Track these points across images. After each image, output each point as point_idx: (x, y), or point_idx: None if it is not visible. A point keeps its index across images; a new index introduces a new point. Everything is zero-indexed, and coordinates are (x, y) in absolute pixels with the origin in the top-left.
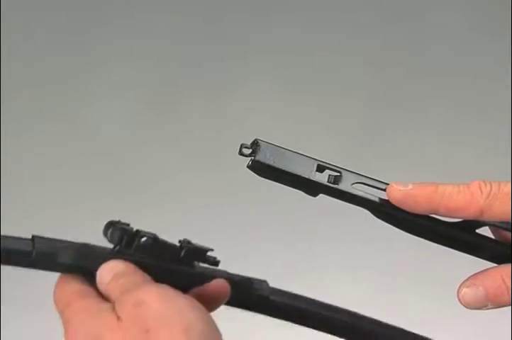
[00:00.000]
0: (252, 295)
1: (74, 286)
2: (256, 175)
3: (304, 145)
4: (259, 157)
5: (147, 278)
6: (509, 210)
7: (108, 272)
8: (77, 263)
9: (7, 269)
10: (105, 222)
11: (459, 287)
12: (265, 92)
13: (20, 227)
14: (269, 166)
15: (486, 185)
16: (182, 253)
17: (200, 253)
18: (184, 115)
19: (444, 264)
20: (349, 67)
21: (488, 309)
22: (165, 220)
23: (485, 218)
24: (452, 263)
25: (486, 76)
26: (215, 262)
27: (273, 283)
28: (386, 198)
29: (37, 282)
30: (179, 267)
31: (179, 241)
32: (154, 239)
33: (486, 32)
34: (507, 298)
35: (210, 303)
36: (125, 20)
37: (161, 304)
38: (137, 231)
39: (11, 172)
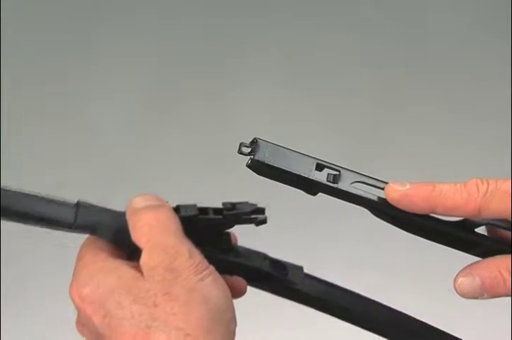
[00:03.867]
0: (283, 287)
1: (99, 243)
2: (255, 174)
3: (304, 145)
4: (259, 156)
5: (180, 229)
6: (506, 208)
7: (144, 200)
8: (116, 238)
9: (7, 269)
10: None
11: (456, 276)
12: (265, 92)
13: (20, 227)
14: (268, 165)
15: (483, 183)
16: (225, 222)
17: (243, 217)
18: (183, 115)
19: (444, 263)
20: (349, 67)
21: (484, 298)
22: None
23: (483, 216)
24: (451, 262)
25: (486, 76)
26: (261, 221)
27: None
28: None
29: (38, 283)
30: (217, 255)
31: (223, 204)
32: (197, 210)
33: (486, 32)
34: (503, 289)
35: None
36: (125, 20)
37: (188, 278)
38: (178, 205)
39: (11, 172)
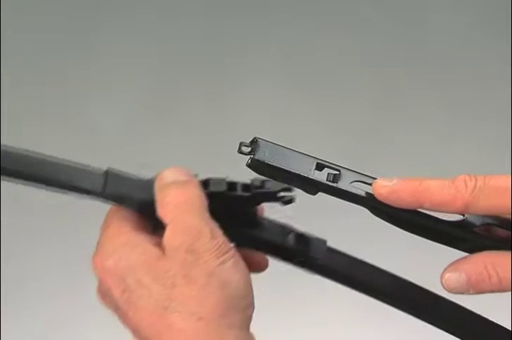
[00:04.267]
0: (305, 262)
1: (125, 212)
2: (255, 173)
3: (304, 145)
4: (258, 155)
5: (207, 211)
6: (495, 204)
7: (173, 174)
8: (143, 210)
9: (7, 269)
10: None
11: (443, 272)
12: (265, 92)
13: (21, 227)
14: (268, 165)
15: (471, 179)
16: (253, 199)
17: (271, 196)
18: (183, 115)
19: (444, 263)
20: (349, 67)
21: (470, 294)
22: None
23: (471, 212)
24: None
25: (486, 76)
26: (289, 200)
27: (274, 282)
28: None
29: (38, 283)
30: (241, 230)
31: (252, 181)
32: (226, 186)
33: (486, 32)
34: (487, 285)
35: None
36: (125, 20)
37: (209, 261)
38: (208, 179)
39: None
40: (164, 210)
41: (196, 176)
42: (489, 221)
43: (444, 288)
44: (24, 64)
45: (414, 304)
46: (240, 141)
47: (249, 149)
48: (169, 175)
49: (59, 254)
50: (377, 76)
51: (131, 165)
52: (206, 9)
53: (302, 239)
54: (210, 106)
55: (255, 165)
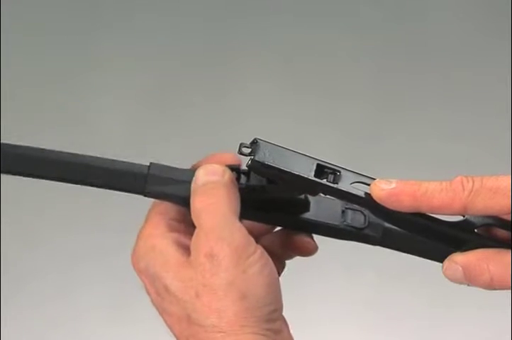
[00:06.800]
0: (361, 241)
1: (167, 205)
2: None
3: (304, 145)
4: (259, 157)
5: (236, 213)
6: (492, 205)
7: (205, 175)
8: (185, 206)
9: (7, 270)
10: (103, 224)
11: (444, 261)
12: (265, 92)
13: (21, 228)
14: (268, 166)
15: (468, 181)
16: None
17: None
18: (183, 115)
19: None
20: (349, 67)
21: (470, 286)
22: None
23: (469, 214)
24: None
25: (486, 76)
26: (335, 179)
27: None
28: None
29: (38, 283)
30: (289, 216)
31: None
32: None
33: (486, 32)
34: (480, 282)
35: (287, 251)
36: (125, 20)
37: (229, 269)
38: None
39: None
40: (193, 214)
41: (235, 168)
42: (489, 221)
43: (446, 277)
44: (24, 64)
45: None
46: (241, 142)
47: (249, 150)
48: (201, 175)
49: (59, 254)
50: (377, 76)
51: None
52: (207, 9)
53: (358, 216)
54: (210, 107)
55: (255, 166)
